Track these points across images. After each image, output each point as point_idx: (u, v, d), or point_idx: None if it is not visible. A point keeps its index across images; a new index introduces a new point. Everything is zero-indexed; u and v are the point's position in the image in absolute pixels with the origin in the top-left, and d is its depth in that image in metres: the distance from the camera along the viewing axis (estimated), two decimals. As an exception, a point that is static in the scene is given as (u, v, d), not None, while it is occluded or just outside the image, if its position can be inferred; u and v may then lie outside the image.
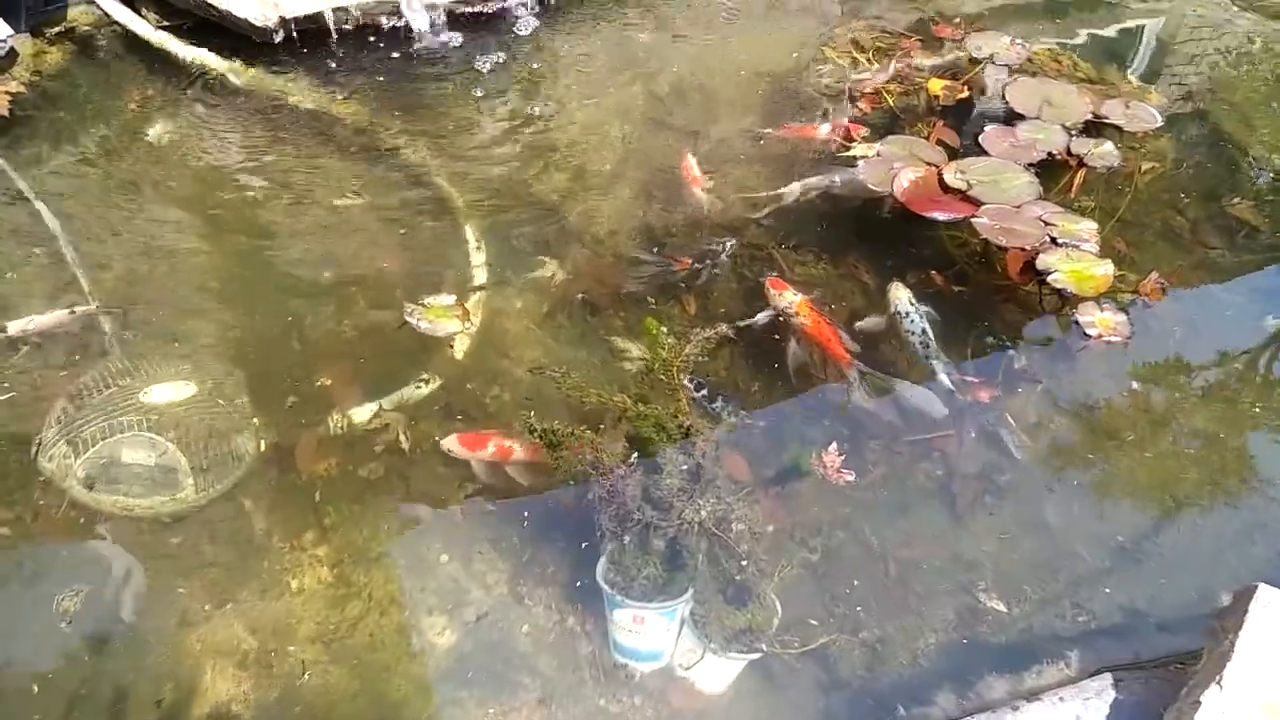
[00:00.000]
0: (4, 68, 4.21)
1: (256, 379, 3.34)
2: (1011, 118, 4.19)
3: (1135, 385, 3.35)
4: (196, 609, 2.84)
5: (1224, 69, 4.78)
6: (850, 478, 2.93)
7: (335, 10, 4.45)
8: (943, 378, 3.32)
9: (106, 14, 4.52)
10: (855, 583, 2.91)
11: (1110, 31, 4.98)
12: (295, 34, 4.48)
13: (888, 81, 4.46)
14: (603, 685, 2.74)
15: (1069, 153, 4.00)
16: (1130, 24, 5.06)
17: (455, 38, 4.68)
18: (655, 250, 3.77)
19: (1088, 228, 3.62)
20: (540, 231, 3.88)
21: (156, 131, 4.20)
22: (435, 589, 2.92)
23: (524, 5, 4.77)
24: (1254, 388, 3.44)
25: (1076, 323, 3.42)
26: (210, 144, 4.18)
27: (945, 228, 3.77)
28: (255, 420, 3.22)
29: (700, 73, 4.62)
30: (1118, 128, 4.16)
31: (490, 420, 3.24)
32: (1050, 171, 3.95)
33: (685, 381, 3.11)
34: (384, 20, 4.57)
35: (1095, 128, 4.17)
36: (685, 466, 2.82)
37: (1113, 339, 3.38)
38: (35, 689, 2.64)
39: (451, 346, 3.44)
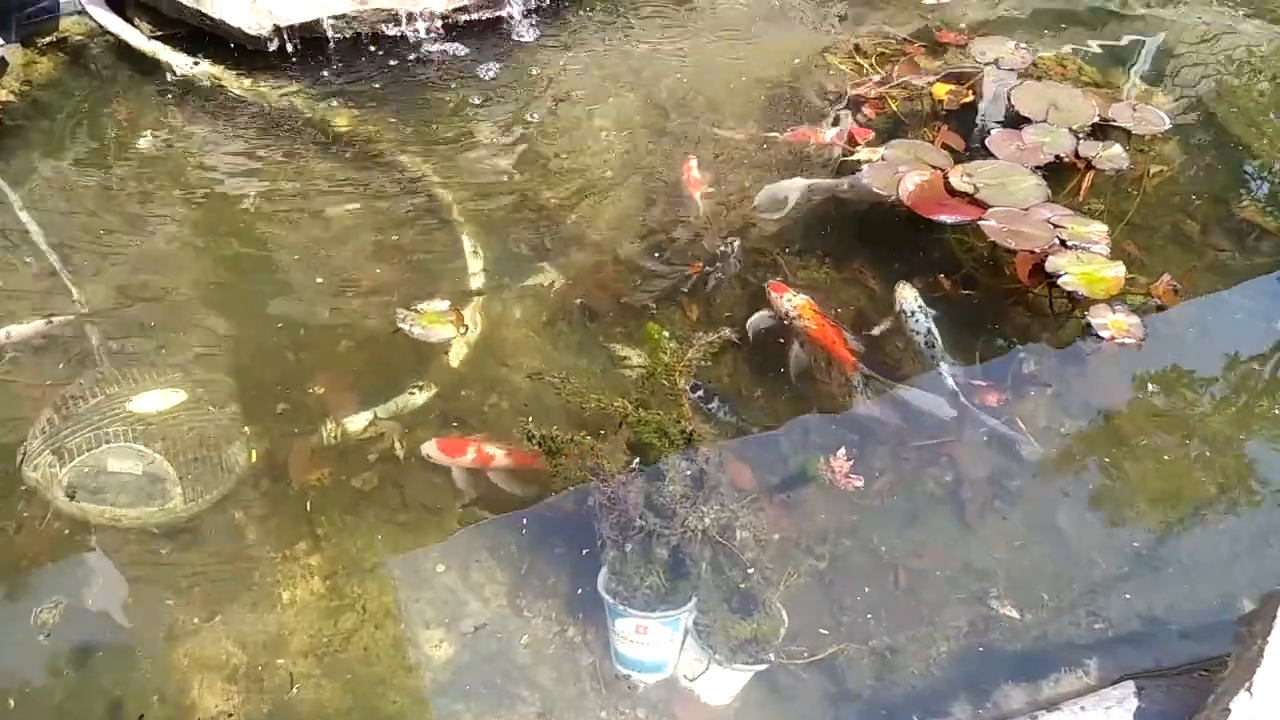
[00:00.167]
0: (-5, 77, 4.17)
1: (248, 387, 3.27)
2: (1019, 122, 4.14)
3: (1149, 388, 3.28)
4: (184, 621, 2.75)
5: (1229, 74, 4.73)
6: (859, 483, 2.85)
7: (332, 19, 4.40)
8: (947, 378, 3.24)
9: (99, 24, 4.48)
10: (865, 589, 2.83)
11: (1113, 39, 4.93)
12: (291, 43, 4.43)
13: (891, 87, 4.41)
14: (605, 697, 2.66)
15: (1077, 155, 3.94)
16: (1133, 31, 5.01)
17: (453, 46, 4.63)
18: (658, 255, 3.70)
19: (1098, 230, 3.55)
20: (539, 238, 3.82)
21: (147, 141, 4.15)
22: (431, 600, 2.84)
23: (523, 13, 4.73)
24: (1269, 391, 3.37)
25: (1088, 325, 3.34)
26: (201, 153, 4.12)
27: (951, 231, 3.71)
28: (246, 429, 3.15)
29: (700, 79, 4.57)
30: (1125, 130, 4.09)
31: (489, 429, 3.17)
32: (1057, 175, 3.88)
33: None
34: (382, 28, 4.53)
35: (1102, 131, 4.11)
36: (688, 472, 2.74)
37: (1126, 341, 3.30)
38: (12, 704, 2.56)
39: (447, 354, 3.37)
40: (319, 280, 3.61)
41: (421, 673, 2.70)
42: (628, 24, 4.90)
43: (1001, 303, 3.54)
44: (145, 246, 3.71)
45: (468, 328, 3.42)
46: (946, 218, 3.66)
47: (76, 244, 3.70)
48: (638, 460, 2.77)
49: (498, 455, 3.06)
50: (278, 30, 4.36)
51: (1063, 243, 3.52)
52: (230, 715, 2.58)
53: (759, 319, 3.44)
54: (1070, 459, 3.13)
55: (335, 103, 4.32)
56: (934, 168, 3.86)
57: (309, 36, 4.47)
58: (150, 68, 4.43)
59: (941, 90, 4.34)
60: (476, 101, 4.40)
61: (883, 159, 3.93)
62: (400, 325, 3.39)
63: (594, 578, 2.69)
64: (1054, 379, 3.33)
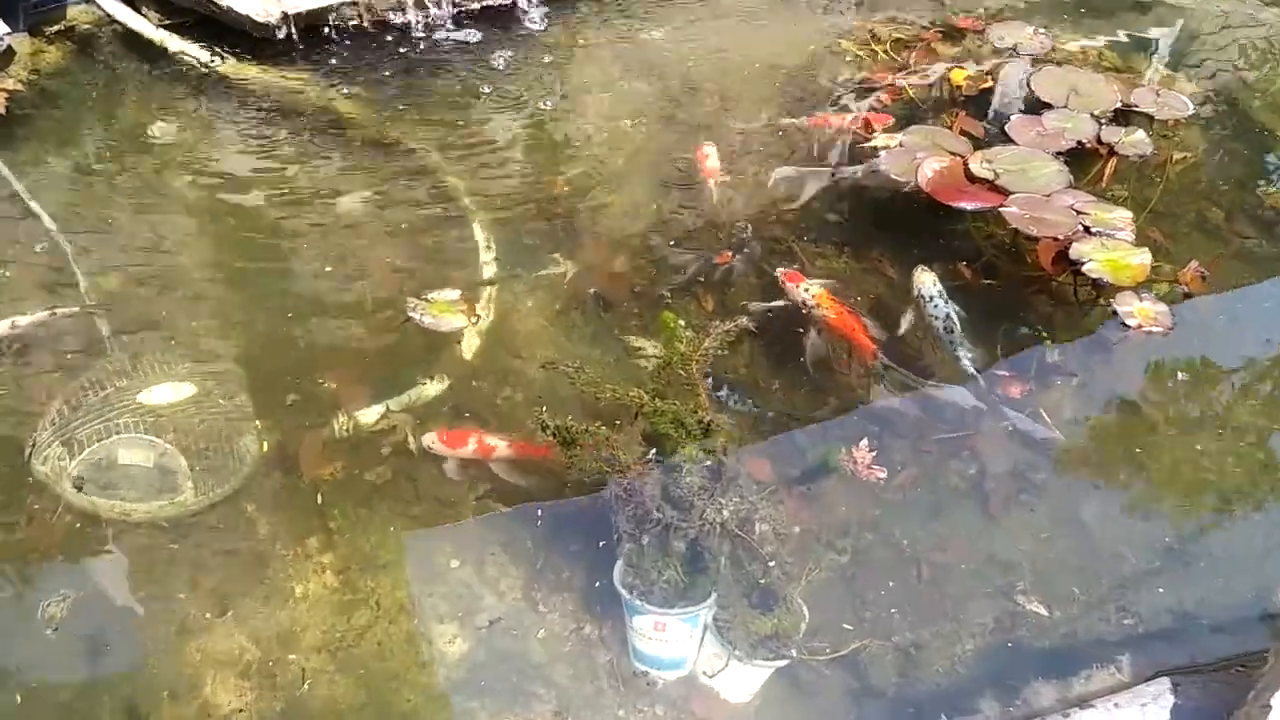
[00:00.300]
0: (1, 66, 4.11)
1: (259, 379, 3.22)
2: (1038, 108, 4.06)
3: (1179, 377, 3.21)
4: (196, 616, 2.70)
5: (1251, 61, 4.66)
6: (882, 474, 2.80)
7: (340, 6, 4.35)
8: (966, 364, 3.19)
9: (107, 13, 4.42)
10: (889, 584, 2.77)
11: (1133, 26, 4.86)
12: (298, 30, 4.38)
13: (907, 74, 4.34)
14: (622, 695, 2.60)
15: (1099, 141, 3.86)
16: (1153, 18, 4.94)
17: (464, 34, 4.58)
18: (673, 244, 3.65)
19: (1122, 216, 3.48)
20: (551, 227, 3.77)
21: (157, 130, 4.09)
22: (446, 595, 2.79)
23: (534, 1, 4.66)
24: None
25: (1115, 313, 3.27)
26: (211, 141, 4.08)
27: (971, 219, 3.64)
28: (258, 422, 3.10)
29: (714, 66, 4.51)
30: (1148, 116, 4.02)
31: (502, 421, 3.11)
32: (1079, 161, 3.81)
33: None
34: (391, 16, 4.48)
35: (1124, 116, 4.03)
36: (706, 463, 2.69)
37: (1153, 329, 3.22)
38: (19, 699, 2.51)
39: (459, 344, 3.31)
40: (328, 269, 3.56)
41: (436, 669, 2.65)
42: (640, 11, 4.84)
43: (1024, 291, 3.48)
44: (154, 236, 3.66)
45: (479, 317, 3.37)
46: (967, 204, 3.60)
47: (85, 233, 3.65)
48: (654, 451, 2.71)
49: (499, 446, 3.00)
50: (286, 18, 4.30)
51: (1086, 229, 3.45)
52: (242, 711, 2.54)
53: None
54: (1097, 450, 3.06)
55: (344, 90, 4.27)
56: (953, 154, 3.79)
57: (317, 24, 4.42)
58: (159, 56, 4.38)
59: (959, 76, 4.28)
60: (487, 90, 4.34)
61: (901, 145, 3.86)
62: (410, 314, 3.34)
63: (610, 572, 2.63)
64: (1079, 369, 3.26)
